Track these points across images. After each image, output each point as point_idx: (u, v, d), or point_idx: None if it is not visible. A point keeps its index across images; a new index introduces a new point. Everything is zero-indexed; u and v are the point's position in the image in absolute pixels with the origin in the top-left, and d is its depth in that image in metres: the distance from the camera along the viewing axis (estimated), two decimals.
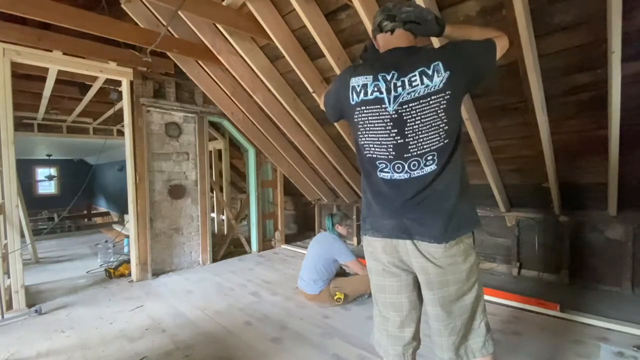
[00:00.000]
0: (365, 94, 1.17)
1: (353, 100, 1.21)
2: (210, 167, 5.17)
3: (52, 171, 11.69)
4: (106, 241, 4.54)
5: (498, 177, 2.98)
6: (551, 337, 2.16)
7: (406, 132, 1.11)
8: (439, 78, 1.06)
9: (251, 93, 3.50)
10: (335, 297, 2.65)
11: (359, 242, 4.77)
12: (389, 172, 1.16)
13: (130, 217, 3.53)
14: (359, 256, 2.53)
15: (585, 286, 2.92)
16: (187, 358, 2.03)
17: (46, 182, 11.75)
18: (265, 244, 4.86)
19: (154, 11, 3.10)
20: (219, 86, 3.75)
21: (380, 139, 1.16)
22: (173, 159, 3.81)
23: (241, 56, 3.10)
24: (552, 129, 2.32)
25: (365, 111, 1.18)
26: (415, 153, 1.11)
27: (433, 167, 1.11)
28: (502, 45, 1.16)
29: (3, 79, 2.67)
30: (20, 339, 2.32)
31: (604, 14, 1.64)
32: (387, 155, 1.15)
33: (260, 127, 4.05)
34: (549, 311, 2.45)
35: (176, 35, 3.19)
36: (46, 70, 3.27)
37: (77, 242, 5.77)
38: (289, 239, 5.17)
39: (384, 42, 1.23)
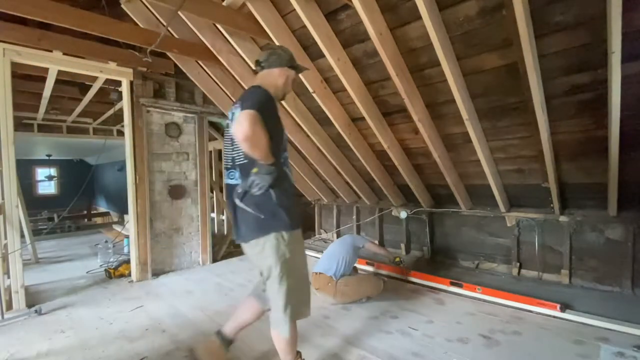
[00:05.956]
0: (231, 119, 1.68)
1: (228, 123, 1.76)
2: (210, 167, 5.16)
3: (52, 171, 11.67)
4: (106, 241, 4.54)
5: (498, 177, 2.97)
6: (551, 337, 2.16)
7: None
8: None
9: None
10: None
11: None
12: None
13: (130, 217, 3.53)
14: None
15: (585, 286, 2.91)
16: (187, 358, 2.03)
17: (46, 182, 11.72)
18: None
19: (154, 11, 3.10)
20: (219, 86, 3.75)
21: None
22: (173, 159, 3.81)
23: (241, 56, 3.10)
24: (552, 129, 2.32)
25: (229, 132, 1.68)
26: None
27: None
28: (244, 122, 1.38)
29: (3, 79, 2.67)
30: (20, 339, 2.32)
31: (604, 14, 1.64)
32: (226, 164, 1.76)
33: None
34: (549, 311, 2.44)
35: (176, 36, 3.19)
36: (46, 70, 3.27)
37: (77, 243, 5.77)
38: None
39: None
